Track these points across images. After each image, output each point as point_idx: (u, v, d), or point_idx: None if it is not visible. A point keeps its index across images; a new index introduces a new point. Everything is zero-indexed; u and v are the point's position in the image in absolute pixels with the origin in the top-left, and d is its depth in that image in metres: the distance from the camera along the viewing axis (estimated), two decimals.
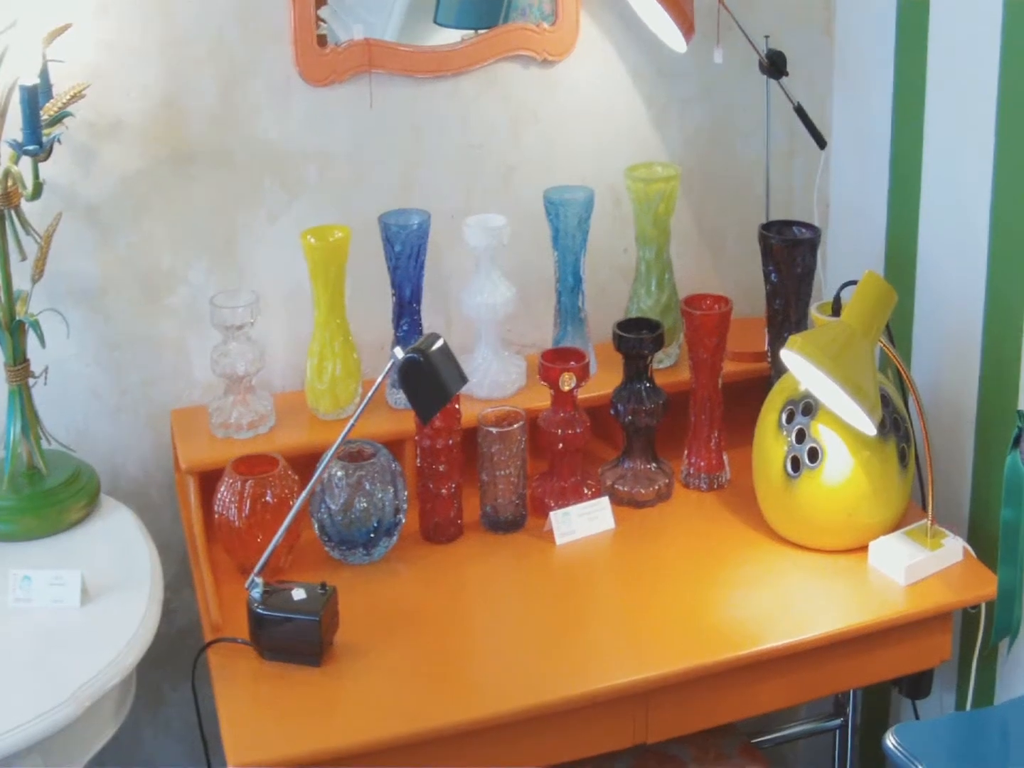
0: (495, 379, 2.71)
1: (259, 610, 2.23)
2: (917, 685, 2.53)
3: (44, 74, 2.32)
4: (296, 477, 2.44)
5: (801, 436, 2.45)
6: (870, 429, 2.36)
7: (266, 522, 2.38)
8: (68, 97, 2.36)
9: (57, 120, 2.35)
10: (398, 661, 2.25)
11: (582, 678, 2.21)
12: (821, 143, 2.79)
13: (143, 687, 2.54)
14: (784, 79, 2.74)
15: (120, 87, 2.53)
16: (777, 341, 2.67)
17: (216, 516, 2.42)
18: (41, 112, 2.29)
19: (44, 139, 2.28)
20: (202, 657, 2.28)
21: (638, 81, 2.85)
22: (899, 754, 2.14)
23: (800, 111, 2.76)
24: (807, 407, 2.45)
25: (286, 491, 2.42)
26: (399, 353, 2.22)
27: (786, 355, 2.36)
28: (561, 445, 2.57)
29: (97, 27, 2.49)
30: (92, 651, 2.18)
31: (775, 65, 2.73)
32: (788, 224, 2.72)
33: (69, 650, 2.19)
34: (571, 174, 2.82)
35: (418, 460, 2.52)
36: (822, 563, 2.46)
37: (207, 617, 2.35)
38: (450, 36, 2.72)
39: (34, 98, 2.24)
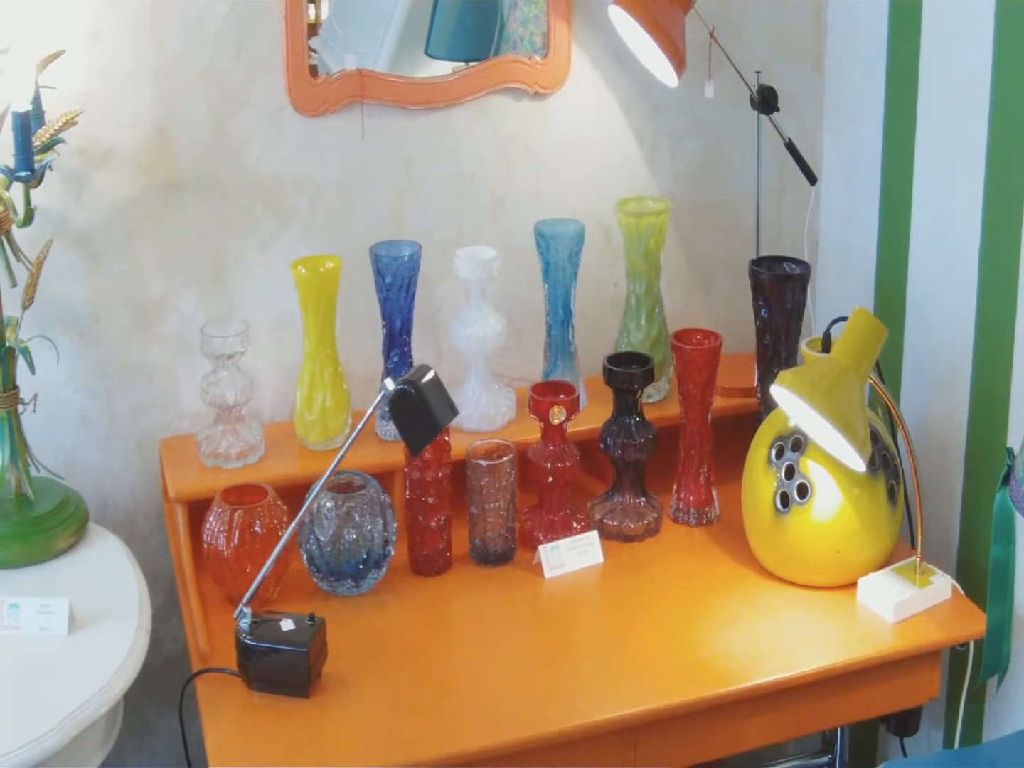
0: (485, 412, 2.71)
1: (247, 640, 2.22)
2: (905, 722, 2.54)
3: (36, 100, 2.33)
4: (285, 507, 2.44)
5: (790, 472, 2.46)
6: (859, 466, 2.37)
7: (255, 552, 2.38)
8: (60, 124, 2.37)
9: (49, 147, 2.36)
10: (386, 693, 2.25)
11: (570, 712, 2.21)
12: (812, 179, 2.79)
13: (129, 716, 2.53)
14: (775, 114, 2.75)
15: (112, 114, 2.54)
16: (767, 377, 2.67)
17: (205, 546, 2.42)
18: (33, 138, 2.29)
19: (36, 165, 2.29)
20: (189, 687, 2.28)
21: (629, 115, 2.87)
22: None
23: (791, 147, 2.78)
24: (796, 443, 2.46)
25: (275, 521, 2.42)
26: (390, 384, 2.22)
27: (776, 391, 2.37)
28: (551, 478, 2.57)
29: (89, 54, 2.50)
30: (79, 680, 2.17)
31: (766, 100, 2.74)
32: (778, 260, 2.73)
33: (56, 678, 2.18)
34: (562, 207, 2.83)
35: (407, 492, 2.53)
36: (811, 599, 2.47)
37: (195, 647, 2.34)
38: (441, 68, 2.73)
39: (26, 124, 2.25)
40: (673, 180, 2.93)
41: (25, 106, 2.24)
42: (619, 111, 2.86)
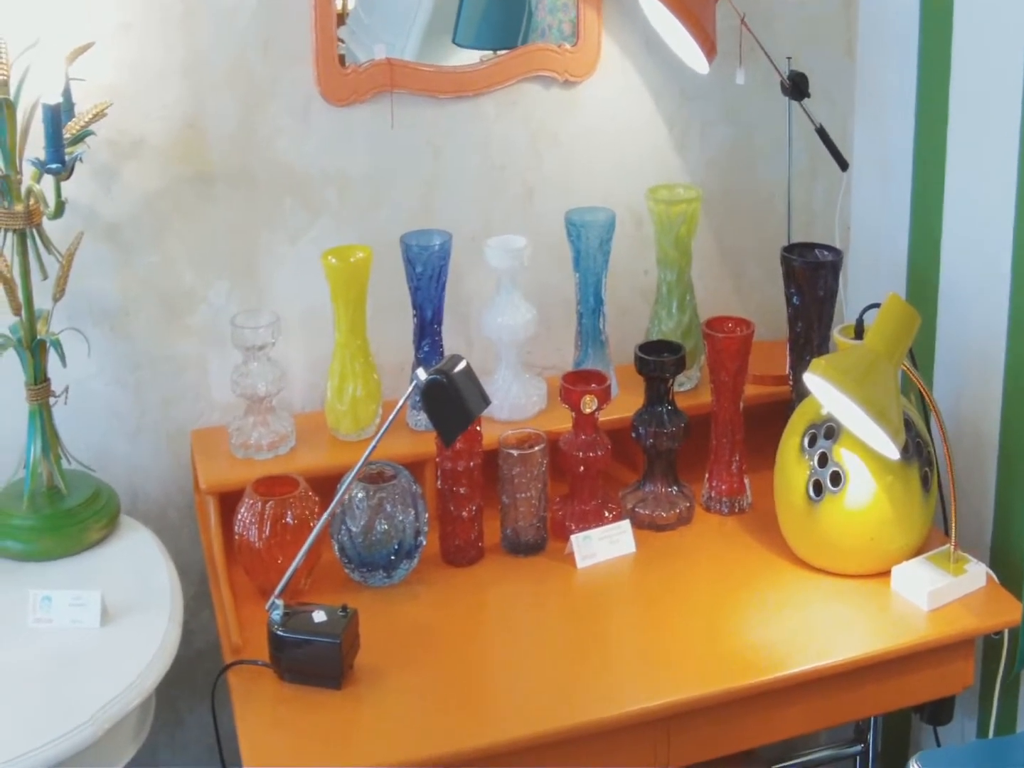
0: (516, 401, 2.71)
1: (279, 632, 2.22)
2: (939, 712, 2.52)
3: (67, 93, 2.32)
4: (316, 498, 2.44)
5: (823, 460, 2.44)
6: (893, 453, 2.35)
7: (286, 543, 2.38)
8: (90, 116, 2.37)
9: (79, 139, 2.36)
10: (418, 685, 2.25)
11: (603, 703, 2.20)
12: (843, 165, 2.78)
13: (161, 709, 2.54)
14: (806, 100, 2.74)
15: (142, 107, 2.54)
16: (799, 364, 2.66)
17: (236, 537, 2.42)
18: (63, 131, 2.29)
19: (66, 158, 2.30)
20: (221, 679, 2.28)
21: (660, 102, 2.86)
22: None
23: (822, 132, 2.76)
24: (829, 431, 2.45)
25: (306, 512, 2.42)
26: (422, 374, 2.22)
27: (809, 378, 2.36)
28: (582, 468, 2.57)
29: (119, 46, 2.50)
30: (112, 672, 2.17)
31: (797, 86, 2.73)
32: (810, 246, 2.72)
33: (89, 671, 2.18)
34: (592, 195, 2.82)
35: (439, 482, 2.53)
36: (844, 588, 2.46)
37: (227, 639, 2.34)
38: (468, 57, 2.73)
39: (57, 117, 2.25)
40: (704, 167, 2.93)
41: (55, 98, 2.25)
42: (649, 98, 2.85)
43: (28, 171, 2.34)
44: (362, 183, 2.71)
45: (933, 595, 2.38)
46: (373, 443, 2.26)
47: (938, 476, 2.51)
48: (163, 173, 2.59)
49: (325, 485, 2.47)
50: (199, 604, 2.77)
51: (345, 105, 2.65)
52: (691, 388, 2.83)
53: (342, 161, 2.69)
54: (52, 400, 2.47)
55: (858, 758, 2.86)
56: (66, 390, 2.50)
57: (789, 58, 2.75)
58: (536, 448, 2.53)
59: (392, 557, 2.46)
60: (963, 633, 2.37)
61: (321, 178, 2.69)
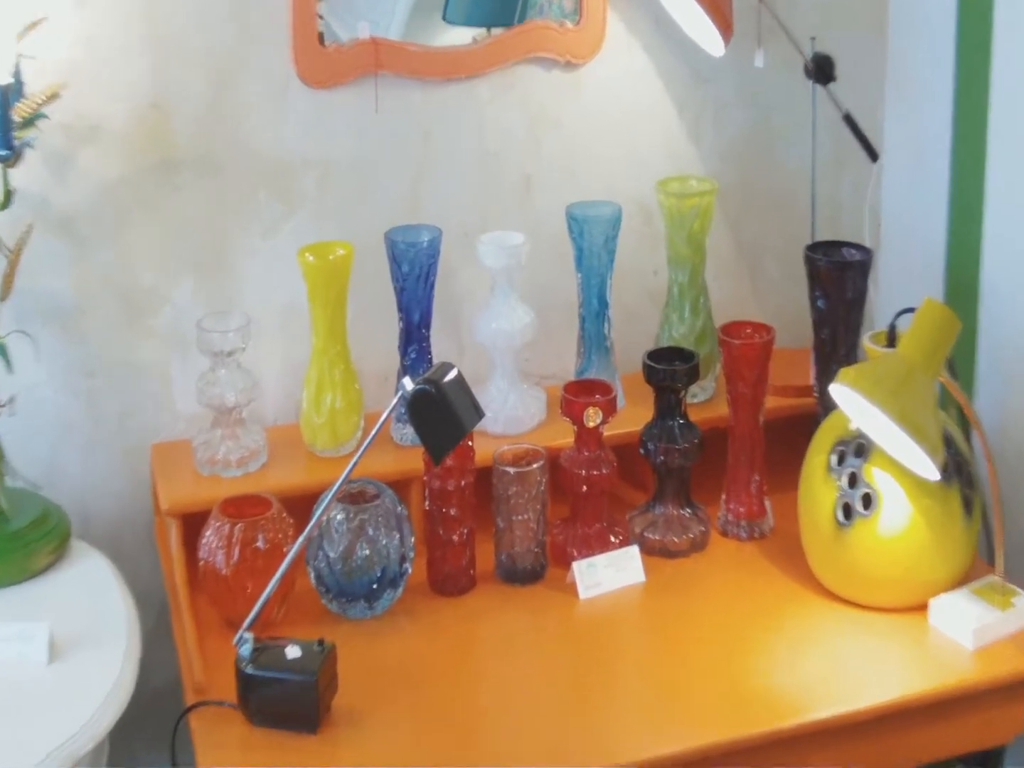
0: (512, 413, 2.70)
1: (248, 670, 2.19)
2: (987, 763, 2.50)
3: (16, 72, 2.31)
4: (291, 520, 2.43)
5: (853, 480, 2.42)
6: (932, 473, 2.33)
7: (257, 570, 2.37)
8: (43, 98, 2.36)
9: (30, 123, 2.35)
10: (403, 728, 2.22)
11: (607, 750, 2.16)
12: (873, 155, 2.79)
13: (116, 755, 2.50)
14: (832, 84, 2.75)
15: (100, 87, 2.54)
16: (825, 374, 2.65)
17: (201, 563, 2.41)
18: (12, 114, 2.29)
19: (15, 143, 2.29)
20: (183, 722, 2.25)
21: (671, 86, 2.87)
22: None
23: (849, 119, 2.76)
24: (860, 448, 2.42)
25: (280, 536, 2.40)
26: (408, 384, 2.20)
27: (836, 390, 2.35)
28: (585, 487, 2.55)
29: (76, 21, 2.49)
30: (60, 714, 2.13)
31: (822, 69, 2.74)
32: (836, 244, 2.71)
33: (36, 712, 2.15)
34: (597, 188, 2.84)
35: (426, 503, 2.51)
36: (877, 623, 2.43)
37: (189, 677, 2.32)
38: (461, 35, 2.73)
39: (5, 99, 2.25)
40: (719, 157, 2.94)
41: (4, 79, 2.24)
42: (659, 82, 2.87)
43: None
44: (343, 173, 2.72)
45: (978, 632, 2.35)
46: (354, 459, 2.24)
47: (981, 499, 2.48)
48: (123, 160, 2.59)
49: (300, 506, 2.46)
50: (159, 638, 2.73)
51: (325, 87, 2.65)
52: (705, 400, 2.83)
53: (322, 149, 2.69)
54: None
55: None
56: (12, 399, 2.48)
57: (813, 38, 2.76)
58: (534, 465, 2.51)
59: (374, 586, 2.43)
60: (1013, 675, 2.33)
61: (298, 167, 2.69)
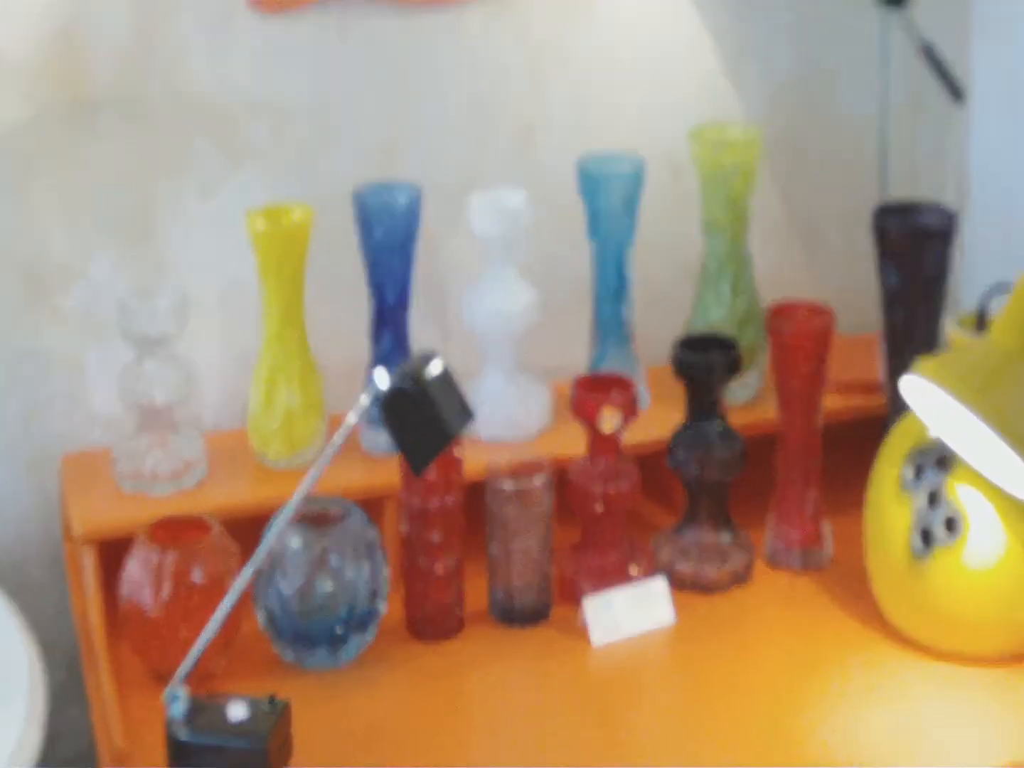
0: (509, 415, 2.71)
1: (181, 735, 2.14)
2: None
3: None
4: (235, 548, 2.42)
5: (934, 499, 2.39)
6: None
7: (192, 610, 2.34)
8: None
9: None
10: None
11: None
12: (957, 94, 2.78)
13: None
14: (906, 10, 2.74)
15: None
16: (898, 367, 2.62)
17: (122, 602, 2.39)
18: None
19: None
20: None
21: (706, 11, 2.88)
22: None
23: (928, 53, 2.76)
24: (942, 459, 2.39)
25: (221, 567, 2.38)
26: (382, 379, 2.17)
27: (911, 386, 2.34)
28: (600, 507, 2.54)
29: None
30: None
31: None
32: (912, 208, 2.70)
33: None
34: (613, 138, 2.85)
35: (404, 526, 2.50)
36: (965, 675, 2.40)
37: (106, 744, 2.29)
38: None
39: None
40: (766, 101, 2.97)
41: None
42: (691, 7, 2.87)
43: None
44: (302, 119, 2.73)
45: None
46: (315, 472, 2.18)
47: None
48: (26, 100, 2.59)
49: (247, 530, 2.45)
50: (68, 695, 2.73)
51: (279, 13, 2.66)
52: (749, 399, 2.84)
53: (275, 88, 2.71)
54: None
55: None
56: None
57: None
58: (537, 480, 2.49)
59: (339, 629, 2.41)
60: None
61: (246, 111, 2.70)
